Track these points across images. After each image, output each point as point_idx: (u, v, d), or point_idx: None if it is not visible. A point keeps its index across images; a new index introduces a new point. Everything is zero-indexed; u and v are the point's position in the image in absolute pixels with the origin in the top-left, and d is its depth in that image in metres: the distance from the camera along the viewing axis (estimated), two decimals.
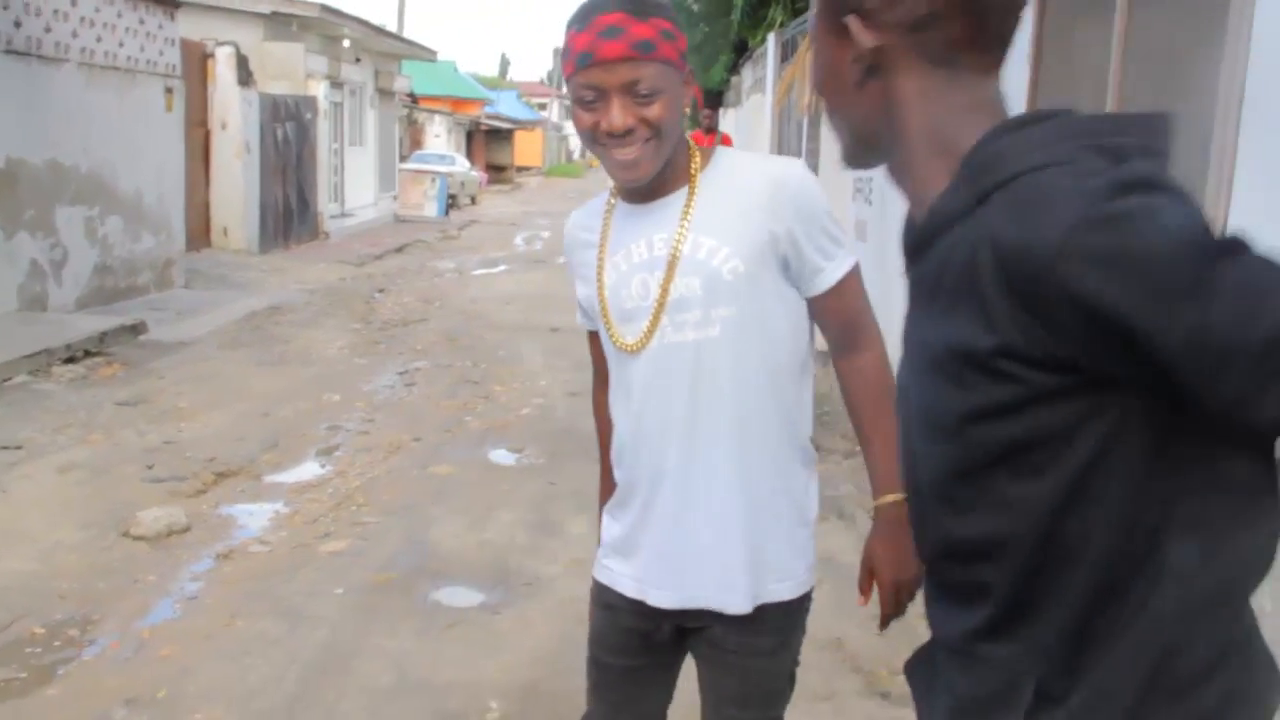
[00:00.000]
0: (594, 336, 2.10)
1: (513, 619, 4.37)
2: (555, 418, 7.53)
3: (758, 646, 2.00)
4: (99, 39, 11.11)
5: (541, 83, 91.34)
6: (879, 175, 7.40)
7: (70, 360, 8.47)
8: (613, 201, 2.02)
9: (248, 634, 4.18)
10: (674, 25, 1.82)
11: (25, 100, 9.86)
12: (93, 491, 5.68)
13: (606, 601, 2.09)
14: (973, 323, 1.03)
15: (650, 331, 1.90)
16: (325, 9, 18.30)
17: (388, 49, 23.74)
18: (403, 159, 28.53)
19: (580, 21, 1.80)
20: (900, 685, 3.96)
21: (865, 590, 1.98)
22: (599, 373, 2.14)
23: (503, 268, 17.17)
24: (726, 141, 14.01)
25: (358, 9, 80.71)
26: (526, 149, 57.12)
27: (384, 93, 24.14)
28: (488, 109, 48.83)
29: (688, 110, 1.91)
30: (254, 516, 5.51)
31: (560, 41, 1.86)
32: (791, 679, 2.12)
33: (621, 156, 1.82)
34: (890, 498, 1.92)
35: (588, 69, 1.78)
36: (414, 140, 34.59)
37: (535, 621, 4.34)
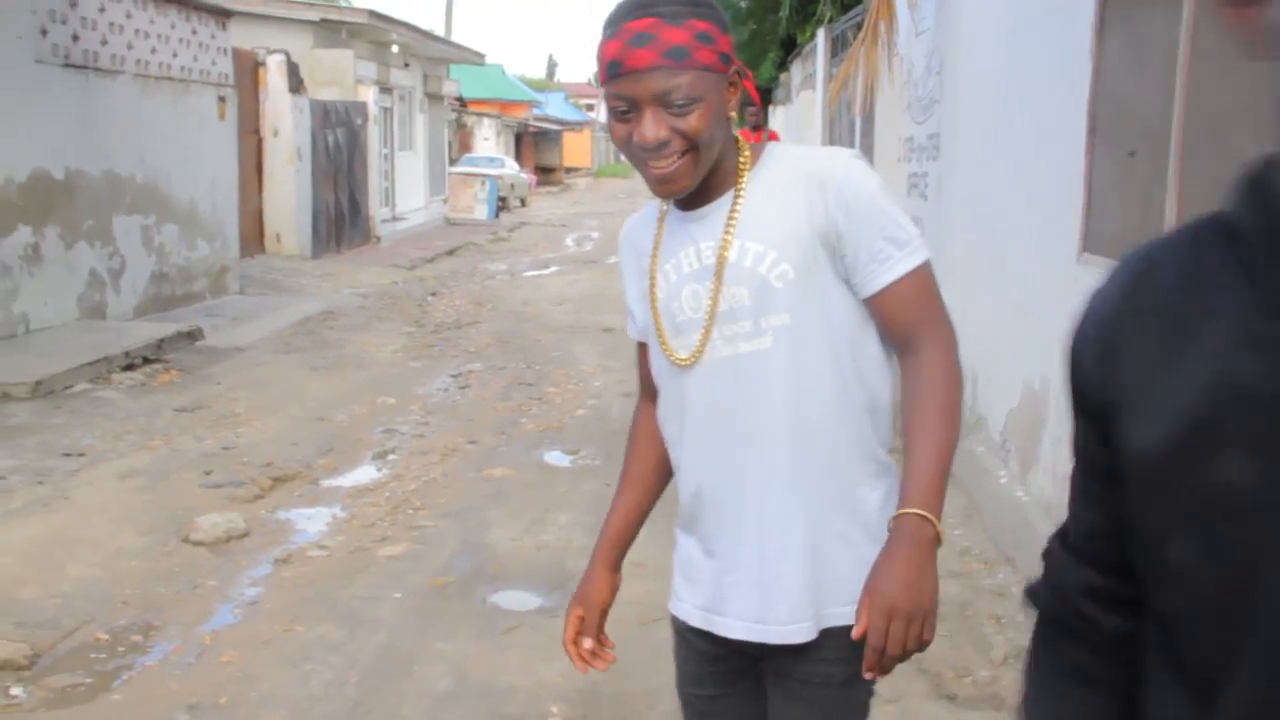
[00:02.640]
0: (643, 349, 1.98)
1: None
2: (610, 418, 7.50)
3: (828, 676, 1.82)
4: (153, 50, 11.25)
5: (589, 83, 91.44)
6: (934, 170, 7.29)
7: (129, 367, 8.58)
8: (664, 208, 1.89)
9: (308, 639, 4.18)
10: (714, 25, 1.68)
11: (82, 112, 10.01)
12: (153, 497, 5.73)
13: (678, 628, 1.97)
14: None
15: (702, 345, 1.78)
16: (374, 15, 18.45)
17: (436, 53, 23.87)
18: (452, 162, 28.70)
19: (610, 27, 1.68)
20: (967, 687, 3.89)
21: (865, 617, 1.62)
22: (645, 390, 2.02)
23: (554, 269, 17.20)
24: (774, 138, 13.94)
25: (406, 14, 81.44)
26: (575, 150, 57.32)
27: (433, 97, 24.29)
28: (536, 111, 49.04)
29: (734, 114, 1.78)
30: (311, 521, 5.53)
31: None
32: (864, 710, 1.90)
33: (657, 171, 1.70)
34: (918, 511, 1.63)
35: (618, 79, 1.66)
36: (463, 143, 34.79)
37: None
